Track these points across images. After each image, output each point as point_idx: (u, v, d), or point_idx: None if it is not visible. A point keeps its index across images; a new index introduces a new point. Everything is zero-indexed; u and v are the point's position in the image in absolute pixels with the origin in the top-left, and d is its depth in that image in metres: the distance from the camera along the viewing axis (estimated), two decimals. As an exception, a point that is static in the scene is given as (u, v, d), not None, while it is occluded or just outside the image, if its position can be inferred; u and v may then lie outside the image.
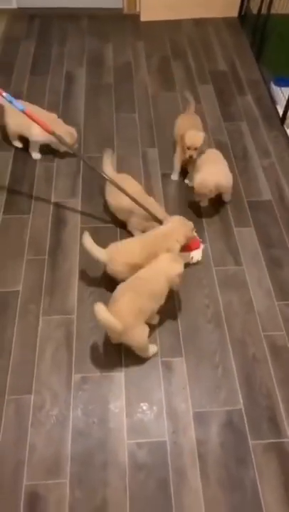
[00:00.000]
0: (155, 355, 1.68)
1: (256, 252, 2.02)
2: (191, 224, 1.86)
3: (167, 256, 1.69)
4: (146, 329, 1.59)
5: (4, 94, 1.82)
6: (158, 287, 1.63)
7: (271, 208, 2.21)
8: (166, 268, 1.65)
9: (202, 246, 2.00)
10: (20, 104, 1.85)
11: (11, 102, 1.83)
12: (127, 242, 1.84)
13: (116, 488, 1.40)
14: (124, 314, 1.51)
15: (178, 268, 1.66)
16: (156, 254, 1.70)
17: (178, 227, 1.82)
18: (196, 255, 1.97)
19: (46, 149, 2.38)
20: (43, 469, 1.42)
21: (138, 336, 1.57)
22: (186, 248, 1.91)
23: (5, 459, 1.44)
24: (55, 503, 1.36)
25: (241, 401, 1.58)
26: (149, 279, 1.63)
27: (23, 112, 1.84)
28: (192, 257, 1.96)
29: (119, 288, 1.62)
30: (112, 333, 1.60)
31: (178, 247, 1.79)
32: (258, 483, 1.41)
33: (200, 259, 1.97)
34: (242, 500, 1.39)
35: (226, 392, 1.60)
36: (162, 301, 1.66)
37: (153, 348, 1.67)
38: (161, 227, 1.85)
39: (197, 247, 1.98)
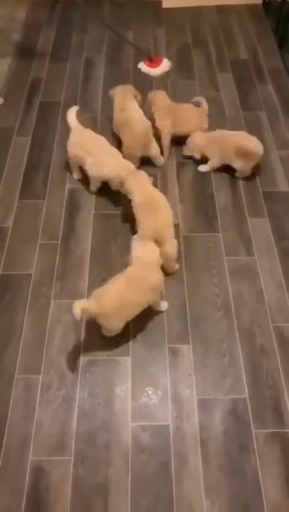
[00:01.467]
0: (162, 342, 1.69)
1: (269, 243, 2.00)
2: None
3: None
4: (122, 324, 1.62)
5: None
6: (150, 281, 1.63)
7: (287, 199, 2.18)
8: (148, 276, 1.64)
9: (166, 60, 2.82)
10: None
11: None
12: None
13: (118, 468, 1.43)
14: (106, 299, 1.54)
15: (157, 276, 1.67)
16: None
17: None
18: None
19: (63, 138, 2.40)
20: (48, 446, 1.47)
21: (112, 324, 1.61)
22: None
23: (13, 434, 1.49)
24: (58, 479, 1.41)
25: (246, 390, 1.58)
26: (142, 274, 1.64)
27: None
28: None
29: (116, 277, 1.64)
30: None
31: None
32: (259, 471, 1.42)
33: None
34: (242, 486, 1.40)
35: (232, 380, 1.60)
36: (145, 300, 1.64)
37: (164, 305, 1.75)
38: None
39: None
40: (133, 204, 1.88)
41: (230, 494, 1.39)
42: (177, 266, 1.88)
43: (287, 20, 2.93)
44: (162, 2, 3.39)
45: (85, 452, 1.46)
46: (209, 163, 2.26)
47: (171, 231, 1.83)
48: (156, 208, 1.84)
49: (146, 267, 1.67)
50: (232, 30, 3.21)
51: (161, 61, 2.86)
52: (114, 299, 1.55)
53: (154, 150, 2.21)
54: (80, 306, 1.49)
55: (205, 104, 2.35)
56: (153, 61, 2.85)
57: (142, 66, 2.86)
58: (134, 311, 1.63)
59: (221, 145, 2.19)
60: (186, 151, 2.31)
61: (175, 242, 1.83)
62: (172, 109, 2.30)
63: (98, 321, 1.59)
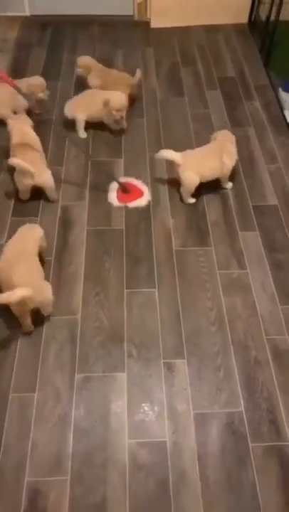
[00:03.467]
0: (157, 357, 1.69)
1: (260, 256, 2.03)
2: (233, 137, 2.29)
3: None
4: (49, 285, 1.76)
5: None
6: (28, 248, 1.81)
7: (277, 212, 2.22)
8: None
9: (145, 193, 2.26)
10: None
11: None
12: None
13: (116, 486, 1.41)
14: (27, 280, 1.62)
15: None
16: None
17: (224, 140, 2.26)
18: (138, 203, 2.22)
19: (56, 154, 2.43)
20: (44, 466, 1.45)
21: (46, 291, 1.72)
22: (130, 197, 2.22)
23: (8, 454, 1.47)
24: (55, 499, 1.39)
25: (242, 403, 1.59)
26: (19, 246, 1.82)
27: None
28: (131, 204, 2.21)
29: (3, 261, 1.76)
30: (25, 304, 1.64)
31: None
32: (257, 485, 1.42)
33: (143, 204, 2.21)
34: (240, 502, 1.39)
35: (227, 394, 1.61)
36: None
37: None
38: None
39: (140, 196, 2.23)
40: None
41: (229, 509, 1.38)
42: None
43: (272, 39, 3.03)
44: (151, 22, 3.48)
45: (81, 471, 1.44)
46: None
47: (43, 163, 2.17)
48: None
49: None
50: (219, 48, 3.30)
51: (139, 194, 2.25)
52: None
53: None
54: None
55: (139, 73, 2.70)
56: (127, 191, 2.24)
57: (112, 198, 2.24)
58: None
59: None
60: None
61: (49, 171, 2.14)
62: (103, 73, 2.73)
63: None
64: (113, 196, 2.25)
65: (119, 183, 2.25)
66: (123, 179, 2.30)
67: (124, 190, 2.25)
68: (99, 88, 2.67)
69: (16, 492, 1.40)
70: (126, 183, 2.27)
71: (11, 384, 1.62)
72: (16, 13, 3.53)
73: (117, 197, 2.24)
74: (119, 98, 2.46)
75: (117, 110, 2.45)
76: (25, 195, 2.19)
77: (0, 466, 1.45)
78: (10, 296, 1.53)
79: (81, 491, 1.41)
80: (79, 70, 2.80)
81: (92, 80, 2.74)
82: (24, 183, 2.12)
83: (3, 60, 3.13)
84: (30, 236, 1.87)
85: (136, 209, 2.20)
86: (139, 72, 2.71)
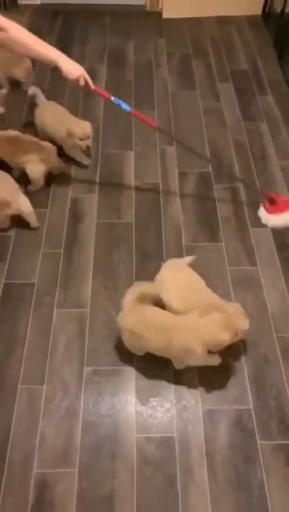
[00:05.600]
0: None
1: (272, 253, 2.01)
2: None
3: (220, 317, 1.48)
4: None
5: (112, 98, 1.92)
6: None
7: None
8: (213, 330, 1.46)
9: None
10: (128, 106, 1.95)
11: (119, 104, 1.93)
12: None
13: (123, 480, 1.42)
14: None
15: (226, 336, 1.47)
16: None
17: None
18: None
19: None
20: (52, 458, 1.45)
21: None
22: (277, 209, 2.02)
23: (16, 447, 1.47)
24: (63, 491, 1.39)
25: (251, 401, 1.58)
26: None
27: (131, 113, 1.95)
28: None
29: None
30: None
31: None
32: (265, 483, 1.41)
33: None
34: (248, 499, 1.39)
35: (236, 391, 1.60)
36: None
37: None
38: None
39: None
40: None
41: (237, 507, 1.38)
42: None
43: (286, 32, 2.98)
44: (163, 13, 3.43)
45: (89, 464, 1.44)
46: None
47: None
48: None
49: None
50: (232, 41, 3.25)
51: (286, 203, 2.07)
52: None
53: None
54: None
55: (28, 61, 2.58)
56: (275, 203, 2.07)
57: (262, 213, 2.11)
58: None
59: None
60: None
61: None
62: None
63: None
64: (263, 213, 2.09)
65: (264, 194, 2.07)
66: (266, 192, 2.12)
67: (271, 200, 2.08)
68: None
69: (24, 484, 1.41)
70: (269, 194, 2.11)
71: (19, 376, 1.62)
72: (26, 1, 3.49)
73: (266, 210, 2.09)
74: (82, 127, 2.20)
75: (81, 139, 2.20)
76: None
77: (8, 458, 1.45)
78: None
79: (89, 483, 1.41)
80: None
81: None
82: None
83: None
84: None
85: (147, 201, 2.19)
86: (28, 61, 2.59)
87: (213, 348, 1.50)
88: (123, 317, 1.55)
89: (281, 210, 2.06)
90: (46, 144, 2.13)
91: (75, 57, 3.02)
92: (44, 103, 2.39)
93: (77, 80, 1.82)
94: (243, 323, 1.53)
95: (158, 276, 1.70)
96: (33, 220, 2.04)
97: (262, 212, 2.10)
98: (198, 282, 1.70)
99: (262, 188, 2.23)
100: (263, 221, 2.08)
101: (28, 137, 2.14)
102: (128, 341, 1.59)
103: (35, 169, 2.13)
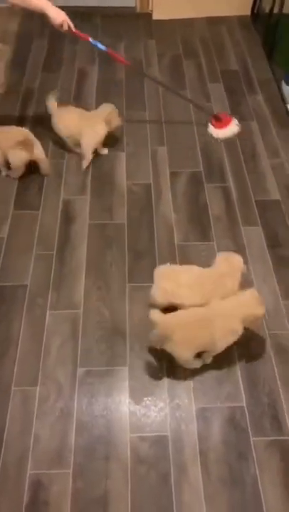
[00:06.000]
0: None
1: (263, 251, 2.03)
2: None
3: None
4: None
5: (90, 39, 2.22)
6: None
7: (279, 207, 2.21)
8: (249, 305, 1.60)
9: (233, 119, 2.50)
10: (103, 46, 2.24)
11: (95, 45, 2.23)
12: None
13: (117, 480, 1.42)
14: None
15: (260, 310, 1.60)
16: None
17: None
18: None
19: (58, 145, 2.41)
20: (46, 459, 1.45)
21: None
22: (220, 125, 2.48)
23: (10, 448, 1.48)
24: (57, 492, 1.39)
25: (244, 398, 1.59)
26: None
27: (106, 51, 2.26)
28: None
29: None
30: None
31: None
32: (259, 480, 1.42)
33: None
34: (242, 496, 1.40)
35: (229, 388, 1.61)
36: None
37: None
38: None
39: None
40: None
41: (231, 503, 1.39)
42: None
43: (275, 32, 3.00)
44: (153, 14, 3.44)
45: (83, 465, 1.45)
46: None
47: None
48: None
49: None
50: (222, 41, 3.27)
51: (229, 121, 2.55)
52: None
53: None
54: None
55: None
56: (220, 120, 2.54)
57: (211, 128, 2.55)
58: None
59: None
60: None
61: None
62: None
63: None
64: (211, 129, 2.52)
65: (211, 114, 2.53)
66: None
67: (217, 118, 2.52)
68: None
69: (18, 485, 1.41)
70: (215, 113, 2.57)
71: (13, 378, 1.62)
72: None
73: (213, 126, 2.52)
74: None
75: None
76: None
77: (2, 459, 1.45)
78: None
79: (83, 484, 1.41)
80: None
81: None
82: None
83: (4, 51, 3.10)
84: None
85: (139, 201, 2.20)
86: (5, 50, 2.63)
87: (249, 325, 1.62)
88: (168, 329, 1.54)
89: (226, 125, 2.53)
90: (26, 131, 2.20)
91: (66, 59, 3.06)
92: (56, 110, 2.37)
93: (61, 25, 2.10)
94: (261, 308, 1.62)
95: (155, 287, 1.72)
96: (46, 166, 2.22)
97: (211, 129, 2.54)
98: (199, 272, 1.76)
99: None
100: (214, 136, 2.51)
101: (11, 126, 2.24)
102: (180, 354, 1.57)
103: (17, 156, 2.17)
